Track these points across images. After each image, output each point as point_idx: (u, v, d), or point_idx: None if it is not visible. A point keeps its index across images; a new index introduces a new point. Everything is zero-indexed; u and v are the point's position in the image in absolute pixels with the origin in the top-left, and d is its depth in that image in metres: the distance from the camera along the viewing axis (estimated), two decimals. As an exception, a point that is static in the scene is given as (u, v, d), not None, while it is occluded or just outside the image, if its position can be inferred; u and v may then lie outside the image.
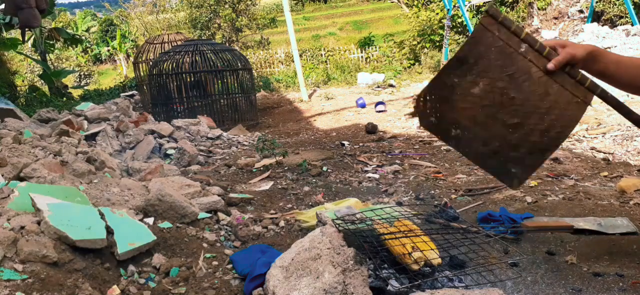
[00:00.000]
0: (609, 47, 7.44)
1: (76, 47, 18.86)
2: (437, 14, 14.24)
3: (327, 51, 18.83)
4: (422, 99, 1.58)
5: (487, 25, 1.48)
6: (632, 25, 9.24)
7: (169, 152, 4.94)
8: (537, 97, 1.48)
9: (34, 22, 7.62)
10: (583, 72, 1.50)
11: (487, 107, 1.52)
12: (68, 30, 17.40)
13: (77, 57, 26.35)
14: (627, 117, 1.58)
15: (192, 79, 8.04)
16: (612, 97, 1.51)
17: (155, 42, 11.40)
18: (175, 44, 9.87)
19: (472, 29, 10.23)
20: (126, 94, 11.36)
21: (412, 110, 1.64)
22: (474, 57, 1.50)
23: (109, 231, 2.13)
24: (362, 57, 18.34)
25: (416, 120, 1.62)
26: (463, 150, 1.61)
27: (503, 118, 1.51)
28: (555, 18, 12.11)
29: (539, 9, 12.57)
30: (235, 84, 8.26)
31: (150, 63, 9.81)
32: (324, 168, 4.15)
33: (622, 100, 1.57)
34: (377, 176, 3.85)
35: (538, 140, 1.52)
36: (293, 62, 13.07)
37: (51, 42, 13.41)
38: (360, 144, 5.41)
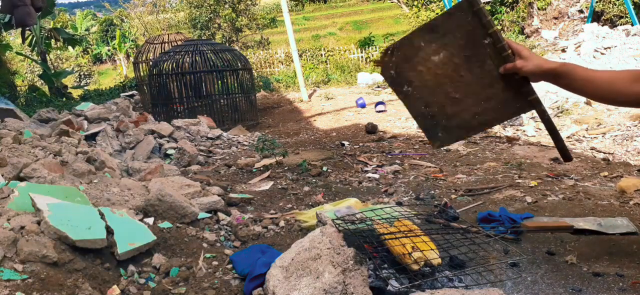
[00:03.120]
0: (609, 47, 7.43)
1: (75, 47, 18.86)
2: (437, 14, 14.23)
3: (327, 51, 18.81)
4: (389, 51, 1.74)
5: (464, 8, 1.61)
6: (632, 25, 9.24)
7: (169, 152, 4.94)
8: (482, 84, 1.64)
9: (29, 20, 7.60)
10: (533, 85, 1.61)
11: (438, 76, 1.68)
12: (68, 30, 17.41)
13: (77, 57, 26.35)
14: (555, 142, 1.69)
15: (190, 79, 8.04)
16: (549, 120, 1.64)
17: (155, 42, 11.40)
18: (175, 44, 9.87)
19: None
20: (126, 94, 11.36)
21: (378, 59, 1.79)
22: (444, 29, 1.65)
23: (109, 231, 2.13)
24: (362, 57, 18.34)
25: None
26: (407, 104, 1.78)
27: (448, 90, 1.68)
28: (555, 18, 12.11)
29: (539, 9, 12.57)
30: (235, 84, 8.26)
31: (150, 63, 9.81)
32: (324, 168, 4.15)
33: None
34: (377, 176, 3.85)
35: (468, 119, 1.69)
36: (293, 62, 13.08)
37: (51, 42, 13.41)
38: (360, 144, 5.41)
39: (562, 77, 1.52)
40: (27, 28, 11.07)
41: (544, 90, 5.81)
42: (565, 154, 1.70)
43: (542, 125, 5.31)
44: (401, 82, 1.75)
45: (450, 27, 1.64)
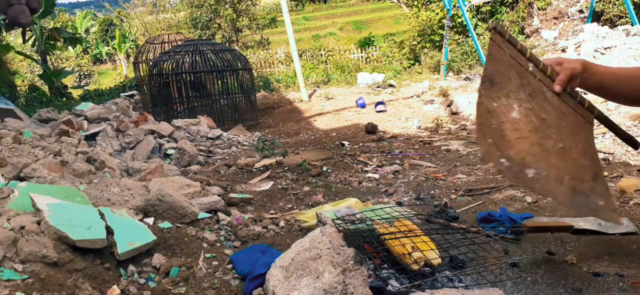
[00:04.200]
0: (609, 47, 7.43)
1: (76, 47, 18.87)
2: (437, 14, 14.22)
3: (327, 51, 18.82)
4: (480, 133, 1.43)
5: (498, 43, 1.42)
6: (632, 25, 9.24)
7: (169, 152, 4.94)
8: (558, 117, 1.40)
9: (22, 19, 7.59)
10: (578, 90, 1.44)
11: (532, 133, 1.39)
12: (68, 30, 17.40)
13: (77, 57, 26.35)
14: (619, 135, 1.54)
15: (192, 79, 8.04)
16: (606, 119, 1.48)
17: (155, 42, 11.39)
18: (175, 44, 9.87)
19: (471, 28, 10.22)
20: (126, 94, 11.36)
21: (482, 157, 1.50)
22: (497, 76, 1.42)
23: (109, 231, 2.12)
24: (362, 57, 18.34)
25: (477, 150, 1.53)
26: (548, 193, 1.45)
27: (549, 145, 1.40)
28: (555, 18, 12.11)
29: (539, 9, 12.56)
30: (235, 84, 8.26)
31: (150, 63, 9.81)
32: (324, 168, 4.15)
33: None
34: (377, 176, 3.85)
35: (589, 163, 1.42)
36: (293, 62, 13.07)
37: (51, 42, 13.42)
38: (360, 144, 5.41)
39: (593, 71, 1.41)
40: (27, 28, 11.09)
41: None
42: (634, 142, 1.51)
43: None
44: (518, 169, 1.41)
45: (500, 71, 1.41)
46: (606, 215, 1.46)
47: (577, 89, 1.47)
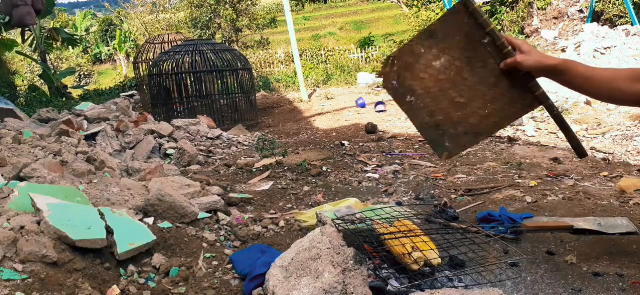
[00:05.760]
0: (609, 47, 7.43)
1: (75, 47, 18.88)
2: (437, 14, 14.23)
3: (327, 51, 18.82)
4: (390, 60, 1.68)
5: (460, 10, 1.60)
6: (632, 25, 9.24)
7: (169, 152, 4.94)
8: (487, 85, 1.61)
9: (28, 20, 7.60)
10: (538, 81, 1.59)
11: (441, 82, 1.64)
12: (67, 31, 17.41)
13: (77, 57, 26.36)
14: (566, 136, 1.65)
15: (190, 79, 8.04)
16: (558, 115, 1.61)
17: (155, 42, 11.40)
18: (175, 44, 9.87)
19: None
20: (126, 94, 11.36)
21: (380, 70, 1.71)
22: (442, 33, 1.62)
23: (109, 231, 2.12)
24: (362, 57, 18.34)
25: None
26: (411, 116, 1.71)
27: (452, 95, 1.64)
28: (555, 18, 12.11)
29: (539, 9, 12.57)
30: (235, 84, 8.26)
31: (150, 63, 9.81)
32: (324, 168, 4.15)
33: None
34: (377, 176, 3.85)
35: (476, 123, 1.64)
36: (293, 62, 13.05)
37: (51, 42, 13.42)
38: (360, 144, 5.41)
39: (563, 73, 1.50)
40: (27, 28, 11.10)
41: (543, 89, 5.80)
42: (580, 150, 1.64)
43: (542, 125, 5.32)
44: (404, 92, 1.70)
45: (449, 31, 1.63)
46: (440, 152, 1.69)
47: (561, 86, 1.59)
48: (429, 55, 1.65)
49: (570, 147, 1.67)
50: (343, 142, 5.56)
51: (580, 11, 11.62)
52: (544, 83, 1.58)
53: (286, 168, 4.14)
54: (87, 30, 29.17)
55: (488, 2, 13.13)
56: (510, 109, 1.63)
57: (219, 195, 3.07)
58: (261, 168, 4.22)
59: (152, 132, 5.33)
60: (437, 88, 1.66)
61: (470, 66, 1.62)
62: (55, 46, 14.33)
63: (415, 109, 1.70)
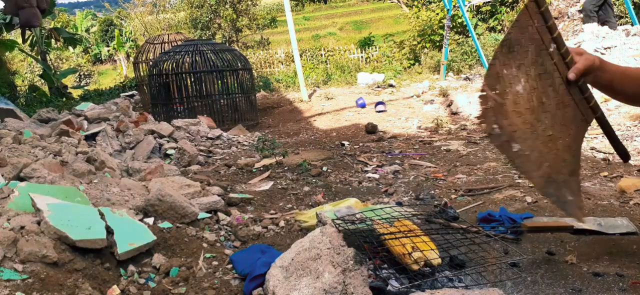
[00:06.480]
0: (609, 47, 7.42)
1: (75, 47, 18.89)
2: (437, 14, 14.22)
3: (327, 51, 18.82)
4: (484, 94, 1.40)
5: (531, 12, 1.37)
6: (632, 25, 9.24)
7: (169, 152, 4.94)
8: (561, 106, 1.39)
9: (34, 22, 7.62)
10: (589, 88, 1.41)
11: (528, 112, 1.38)
12: (68, 30, 17.42)
13: (77, 57, 26.36)
14: (614, 144, 1.52)
15: (191, 79, 8.04)
16: (607, 124, 1.46)
17: (155, 42, 11.39)
18: (175, 44, 9.87)
19: (471, 28, 10.21)
20: (126, 94, 11.36)
21: (480, 110, 1.43)
22: (517, 44, 1.39)
23: (109, 231, 2.12)
24: (362, 57, 18.34)
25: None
26: (524, 172, 1.45)
27: (540, 128, 1.39)
28: (555, 18, 12.11)
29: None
30: (235, 84, 8.26)
31: (150, 63, 9.81)
32: (324, 168, 4.15)
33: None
34: (377, 176, 3.85)
35: (570, 158, 1.41)
36: (293, 62, 13.05)
37: (51, 42, 13.43)
38: (360, 144, 5.41)
39: (606, 68, 1.39)
40: (28, 28, 11.10)
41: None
42: (625, 153, 1.52)
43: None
44: (508, 139, 1.40)
45: (522, 41, 1.37)
46: (572, 210, 1.51)
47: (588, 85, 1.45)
48: (513, 79, 1.38)
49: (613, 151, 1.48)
50: (343, 142, 5.56)
51: (580, 11, 11.61)
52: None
53: (286, 168, 4.14)
54: (87, 30, 29.17)
55: (488, 2, 13.12)
56: (579, 131, 1.41)
57: (219, 195, 3.07)
58: (261, 168, 4.22)
59: (152, 132, 5.33)
60: (529, 125, 1.38)
61: (543, 86, 1.37)
62: (55, 46, 14.34)
63: (524, 161, 1.41)
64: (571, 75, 1.35)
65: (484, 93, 1.40)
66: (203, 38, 17.16)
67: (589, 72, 1.36)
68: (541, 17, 1.36)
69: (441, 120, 6.41)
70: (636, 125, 4.79)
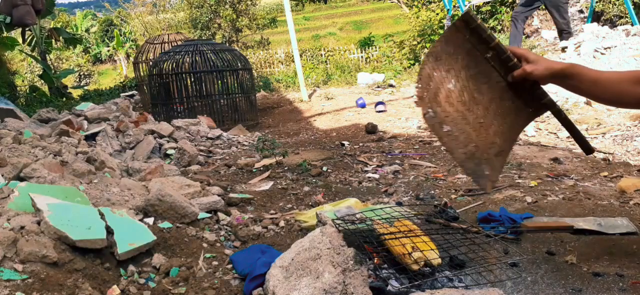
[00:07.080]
0: (609, 47, 7.42)
1: (76, 47, 18.90)
2: (437, 14, 14.22)
3: (327, 51, 18.83)
4: (420, 86, 1.64)
5: (459, 28, 1.58)
6: (632, 25, 9.24)
7: (169, 152, 4.94)
8: (496, 100, 1.59)
9: (28, 19, 7.60)
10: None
11: (459, 104, 1.60)
12: (68, 30, 17.43)
13: (77, 57, 26.36)
14: (573, 135, 1.66)
15: (190, 79, 8.04)
16: (566, 119, 1.61)
17: (155, 42, 11.40)
18: (175, 44, 9.87)
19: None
20: (126, 94, 11.36)
21: (416, 98, 1.69)
22: (444, 54, 1.60)
23: (109, 231, 2.13)
24: (362, 57, 18.35)
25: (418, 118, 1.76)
26: (450, 150, 1.65)
27: (473, 118, 1.61)
28: (555, 18, 12.09)
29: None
30: (235, 84, 8.26)
31: (150, 63, 9.81)
32: (324, 168, 4.15)
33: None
34: (377, 176, 3.85)
35: (500, 142, 1.62)
36: (293, 62, 13.05)
37: (51, 42, 13.43)
38: (360, 144, 5.41)
39: (571, 78, 1.50)
40: (27, 28, 11.11)
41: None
42: (588, 147, 1.65)
43: (542, 125, 5.32)
44: (440, 121, 1.62)
45: (450, 51, 1.59)
46: (484, 183, 1.65)
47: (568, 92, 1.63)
48: (443, 79, 1.60)
49: (577, 146, 1.68)
50: (343, 142, 5.56)
51: (580, 11, 11.62)
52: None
53: (286, 168, 4.14)
54: (87, 30, 29.17)
55: (488, 2, 13.12)
56: (519, 120, 1.62)
57: (219, 195, 3.07)
58: (261, 168, 4.22)
59: (152, 132, 5.33)
60: (458, 112, 1.61)
61: (477, 85, 1.59)
62: (55, 46, 14.35)
63: (451, 140, 1.63)
64: (509, 77, 1.55)
65: (419, 86, 1.64)
66: (203, 38, 17.17)
67: (528, 78, 1.53)
68: (474, 32, 1.56)
69: (441, 120, 6.40)
70: (636, 125, 4.79)
